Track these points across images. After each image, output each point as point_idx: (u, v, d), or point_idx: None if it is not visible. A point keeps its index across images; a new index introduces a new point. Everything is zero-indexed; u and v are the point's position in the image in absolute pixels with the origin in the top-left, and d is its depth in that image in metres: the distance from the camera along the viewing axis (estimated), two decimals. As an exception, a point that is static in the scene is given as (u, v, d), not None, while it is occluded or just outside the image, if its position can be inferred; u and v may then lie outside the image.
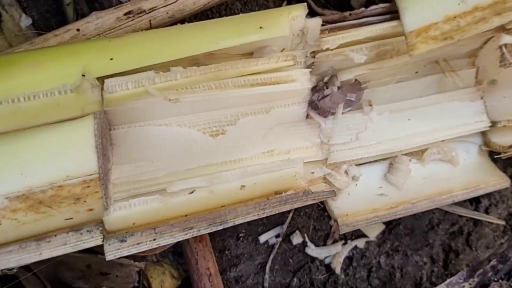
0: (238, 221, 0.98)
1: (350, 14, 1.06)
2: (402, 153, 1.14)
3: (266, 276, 1.31)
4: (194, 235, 0.96)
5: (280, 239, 1.32)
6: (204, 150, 1.02)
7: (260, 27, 0.93)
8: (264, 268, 1.31)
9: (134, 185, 0.99)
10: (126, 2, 1.09)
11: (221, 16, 1.23)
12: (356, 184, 1.11)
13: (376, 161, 1.15)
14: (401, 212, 1.08)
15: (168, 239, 0.96)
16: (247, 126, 1.04)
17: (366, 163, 1.14)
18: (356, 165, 1.13)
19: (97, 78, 0.88)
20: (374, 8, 1.07)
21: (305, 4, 0.97)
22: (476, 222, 1.35)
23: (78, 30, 1.05)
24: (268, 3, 1.26)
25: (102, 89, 0.89)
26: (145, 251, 1.20)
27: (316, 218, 1.34)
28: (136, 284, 1.24)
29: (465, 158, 1.19)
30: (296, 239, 1.32)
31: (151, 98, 0.93)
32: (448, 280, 1.16)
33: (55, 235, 0.91)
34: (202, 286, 1.20)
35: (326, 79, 1.08)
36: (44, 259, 0.91)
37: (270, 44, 0.98)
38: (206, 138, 1.01)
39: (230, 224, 0.98)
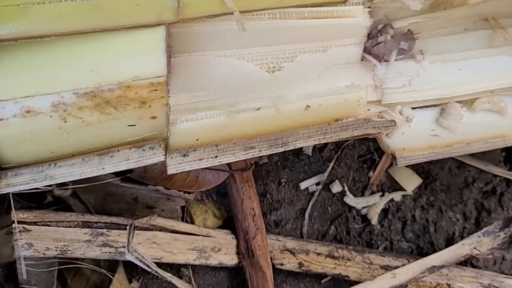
0: (299, 144, 0.95)
1: (406, -38, 1.04)
2: (454, 100, 1.11)
3: (305, 222, 1.28)
4: (255, 156, 0.93)
5: (320, 187, 1.30)
6: (260, 84, 0.99)
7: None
8: (304, 214, 1.29)
9: (191, 114, 0.97)
10: None
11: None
12: (409, 126, 1.08)
13: (428, 106, 1.12)
14: (456, 150, 1.05)
15: (229, 157, 0.93)
16: (304, 64, 1.01)
17: (418, 107, 1.11)
18: (410, 108, 1.11)
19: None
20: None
21: None
22: (509, 183, 1.32)
23: None
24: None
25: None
26: (191, 188, 1.19)
27: (355, 169, 1.32)
28: (179, 220, 1.21)
29: (513, 110, 1.17)
30: (336, 188, 1.30)
31: (216, 22, 0.90)
32: (484, 229, 1.14)
33: (118, 151, 0.89)
34: (246, 226, 1.18)
35: (379, 27, 1.07)
36: (106, 173, 0.89)
37: (333, -19, 0.97)
38: (263, 73, 0.98)
39: (291, 147, 0.94)
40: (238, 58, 0.97)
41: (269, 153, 0.94)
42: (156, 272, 1.08)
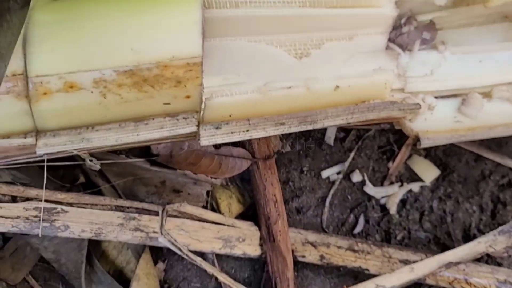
0: (327, 123, 0.94)
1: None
2: (474, 90, 1.11)
3: (325, 209, 1.29)
4: (285, 132, 0.93)
5: (341, 175, 1.30)
6: (288, 69, 0.99)
7: None
8: (324, 202, 1.29)
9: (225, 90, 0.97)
10: None
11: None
12: (432, 113, 1.07)
13: (449, 96, 1.11)
14: (478, 134, 1.04)
15: (260, 132, 0.92)
16: (330, 51, 1.02)
17: (440, 97, 1.10)
18: (432, 97, 1.11)
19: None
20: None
21: None
22: (525, 177, 1.32)
23: None
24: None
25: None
26: (215, 173, 1.19)
27: (375, 160, 1.32)
28: (205, 204, 1.21)
29: (531, 102, 1.16)
30: (356, 177, 1.30)
31: (248, 8, 0.92)
32: (500, 228, 1.14)
33: (153, 118, 0.89)
34: (268, 211, 1.18)
35: (403, 19, 1.08)
36: (140, 140, 0.89)
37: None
38: (291, 59, 0.99)
39: (319, 126, 0.94)
40: (268, 44, 0.98)
41: (298, 130, 0.93)
42: (187, 255, 1.08)
